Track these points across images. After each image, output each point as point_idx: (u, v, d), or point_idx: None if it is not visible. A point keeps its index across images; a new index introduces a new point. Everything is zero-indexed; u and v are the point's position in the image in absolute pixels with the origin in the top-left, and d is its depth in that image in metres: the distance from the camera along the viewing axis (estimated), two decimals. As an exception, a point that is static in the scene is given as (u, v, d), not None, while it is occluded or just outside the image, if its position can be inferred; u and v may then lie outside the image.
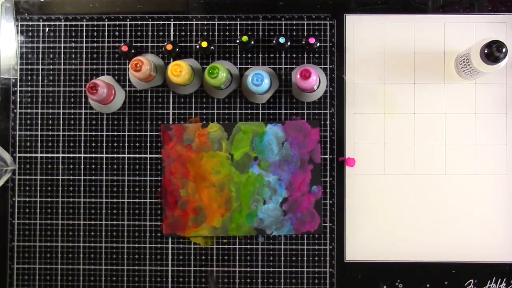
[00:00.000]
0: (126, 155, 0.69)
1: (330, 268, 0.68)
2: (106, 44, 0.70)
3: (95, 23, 0.70)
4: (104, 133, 0.70)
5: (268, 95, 0.68)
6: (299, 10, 0.70)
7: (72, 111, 0.70)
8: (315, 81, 0.62)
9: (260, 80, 0.63)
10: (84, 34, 0.70)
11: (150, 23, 0.70)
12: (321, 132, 0.69)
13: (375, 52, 0.69)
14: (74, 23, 0.70)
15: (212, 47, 0.69)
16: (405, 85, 0.69)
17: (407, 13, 0.69)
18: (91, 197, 0.69)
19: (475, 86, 0.69)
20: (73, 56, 0.70)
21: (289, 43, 0.68)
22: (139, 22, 0.70)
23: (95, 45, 0.70)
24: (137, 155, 0.69)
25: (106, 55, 0.70)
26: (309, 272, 0.68)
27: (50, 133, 0.70)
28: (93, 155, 0.69)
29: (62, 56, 0.70)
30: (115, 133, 0.70)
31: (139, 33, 0.70)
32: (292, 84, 0.68)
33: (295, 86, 0.67)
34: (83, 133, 0.70)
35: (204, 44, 0.68)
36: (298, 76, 0.61)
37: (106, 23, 0.70)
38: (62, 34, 0.70)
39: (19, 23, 0.71)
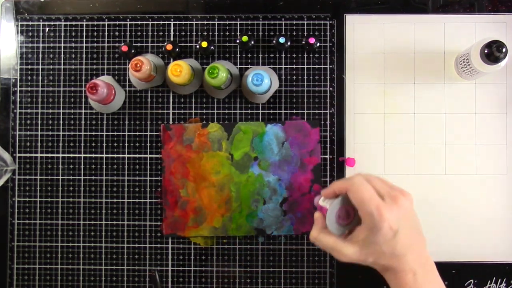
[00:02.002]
0: (126, 155, 0.69)
1: (330, 268, 0.68)
2: (106, 44, 0.70)
3: (95, 23, 0.70)
4: (104, 133, 0.70)
5: (268, 95, 0.68)
6: (299, 10, 0.70)
7: (72, 111, 0.70)
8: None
9: (260, 80, 0.63)
10: (84, 34, 0.70)
11: (150, 23, 0.70)
12: (321, 132, 0.69)
13: (375, 52, 0.69)
14: (74, 23, 0.70)
15: (212, 47, 0.69)
16: (405, 85, 0.69)
17: (407, 13, 0.69)
18: (91, 197, 0.69)
19: (475, 86, 0.69)
20: (73, 56, 0.70)
21: (289, 43, 0.68)
22: (139, 22, 0.70)
23: (95, 45, 0.70)
24: (137, 155, 0.69)
25: (106, 55, 0.70)
26: (309, 272, 0.68)
27: (50, 133, 0.70)
28: (93, 155, 0.69)
29: (62, 56, 0.70)
30: (115, 133, 0.70)
31: (139, 33, 0.70)
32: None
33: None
34: (83, 133, 0.70)
35: (204, 44, 0.68)
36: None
37: (106, 23, 0.70)
38: (62, 34, 0.70)
39: (19, 23, 0.71)
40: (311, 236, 0.57)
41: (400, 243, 0.52)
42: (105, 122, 0.70)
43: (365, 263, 0.55)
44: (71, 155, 0.70)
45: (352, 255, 0.54)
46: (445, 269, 0.67)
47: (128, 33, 0.70)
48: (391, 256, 0.52)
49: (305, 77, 0.69)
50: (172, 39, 0.70)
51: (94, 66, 0.70)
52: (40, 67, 0.70)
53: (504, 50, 0.60)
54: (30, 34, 0.70)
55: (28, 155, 0.70)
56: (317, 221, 0.58)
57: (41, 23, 0.71)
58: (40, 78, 0.70)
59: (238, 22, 0.70)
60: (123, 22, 0.70)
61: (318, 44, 0.68)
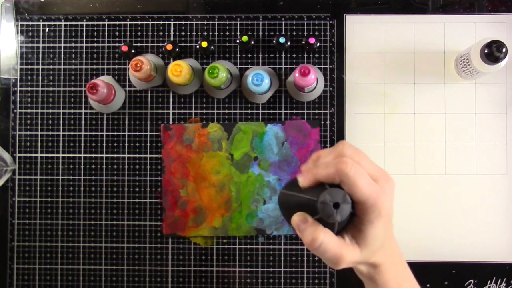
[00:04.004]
0: (126, 155, 0.69)
1: (330, 268, 0.68)
2: (106, 44, 0.70)
3: (95, 23, 0.70)
4: (104, 133, 0.70)
5: (268, 95, 0.68)
6: (299, 10, 0.70)
7: (72, 111, 0.70)
8: (313, 79, 0.62)
9: (260, 80, 0.63)
10: (84, 34, 0.70)
11: (150, 23, 0.70)
12: (321, 132, 0.69)
13: (375, 52, 0.69)
14: (74, 23, 0.70)
15: (212, 47, 0.69)
16: (405, 85, 0.69)
17: (407, 13, 0.69)
18: (91, 197, 0.69)
19: (475, 86, 0.69)
20: (73, 56, 0.70)
21: (289, 43, 0.68)
22: (139, 22, 0.70)
23: (95, 45, 0.70)
24: (137, 155, 0.69)
25: (106, 55, 0.70)
26: (309, 272, 0.68)
27: (50, 133, 0.70)
28: (93, 155, 0.69)
29: (62, 56, 0.70)
30: (115, 133, 0.70)
31: (139, 33, 0.70)
32: (287, 84, 0.68)
33: (292, 85, 0.67)
34: (83, 133, 0.70)
35: (204, 44, 0.68)
36: (297, 74, 0.62)
37: (106, 23, 0.70)
38: (62, 34, 0.70)
39: (19, 23, 0.71)
40: (317, 240, 0.41)
41: (390, 230, 0.44)
42: (105, 122, 0.70)
43: (358, 265, 0.46)
44: (71, 155, 0.70)
45: (356, 258, 0.43)
46: (445, 269, 0.67)
47: (128, 33, 0.70)
48: (380, 248, 0.44)
49: (305, 77, 0.69)
50: (172, 39, 0.70)
51: (94, 66, 0.70)
52: (40, 67, 0.70)
53: (504, 50, 0.60)
54: (30, 34, 0.70)
55: (28, 155, 0.70)
56: (306, 220, 0.43)
57: (41, 23, 0.71)
58: (40, 78, 0.70)
59: (238, 22, 0.70)
60: (123, 22, 0.70)
61: (318, 44, 0.68)
